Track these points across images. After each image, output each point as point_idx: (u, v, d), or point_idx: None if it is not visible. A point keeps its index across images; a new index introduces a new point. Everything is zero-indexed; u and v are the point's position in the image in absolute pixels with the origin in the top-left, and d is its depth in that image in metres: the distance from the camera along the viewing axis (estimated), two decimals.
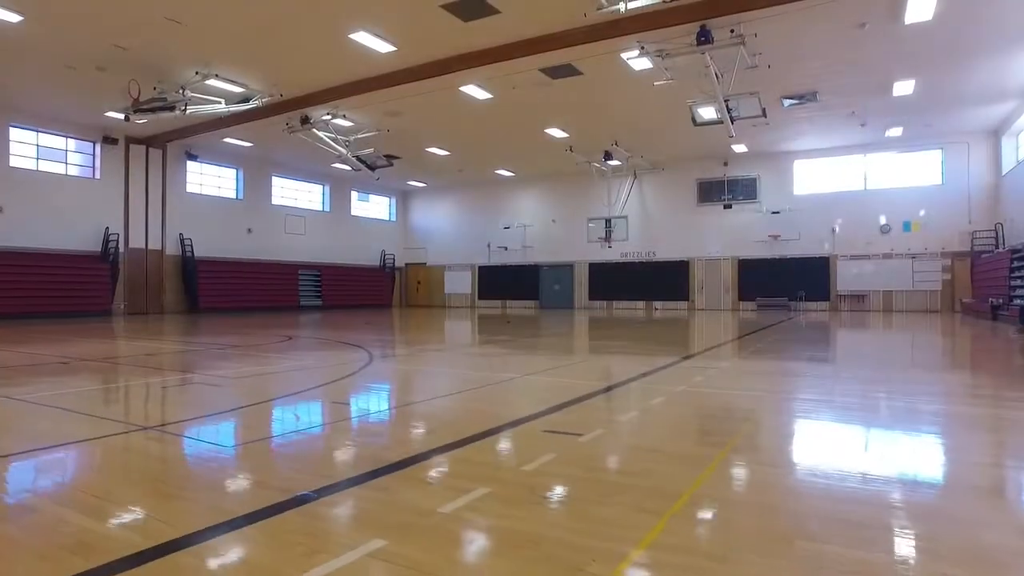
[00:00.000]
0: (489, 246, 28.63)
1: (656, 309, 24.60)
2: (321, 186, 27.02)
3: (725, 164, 23.28)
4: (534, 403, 3.99)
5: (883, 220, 21.39)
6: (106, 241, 18.99)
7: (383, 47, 12.83)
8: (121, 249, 19.48)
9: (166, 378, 5.09)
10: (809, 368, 6.17)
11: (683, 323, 15.63)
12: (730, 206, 23.40)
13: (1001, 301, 14.65)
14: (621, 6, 10.08)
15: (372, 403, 4.04)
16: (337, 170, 24.17)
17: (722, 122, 14.92)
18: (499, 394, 4.43)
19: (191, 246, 21.27)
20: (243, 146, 21.38)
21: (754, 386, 4.82)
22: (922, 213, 20.86)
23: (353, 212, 28.65)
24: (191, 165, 21.71)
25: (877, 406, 4.04)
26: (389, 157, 21.35)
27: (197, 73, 13.91)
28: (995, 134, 19.61)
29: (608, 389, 4.54)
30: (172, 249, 21.08)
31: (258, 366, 6.03)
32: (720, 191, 23.60)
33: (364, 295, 27.59)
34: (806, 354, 8.05)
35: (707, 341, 10.13)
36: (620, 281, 25.63)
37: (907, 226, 21.08)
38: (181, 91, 14.35)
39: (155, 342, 8.98)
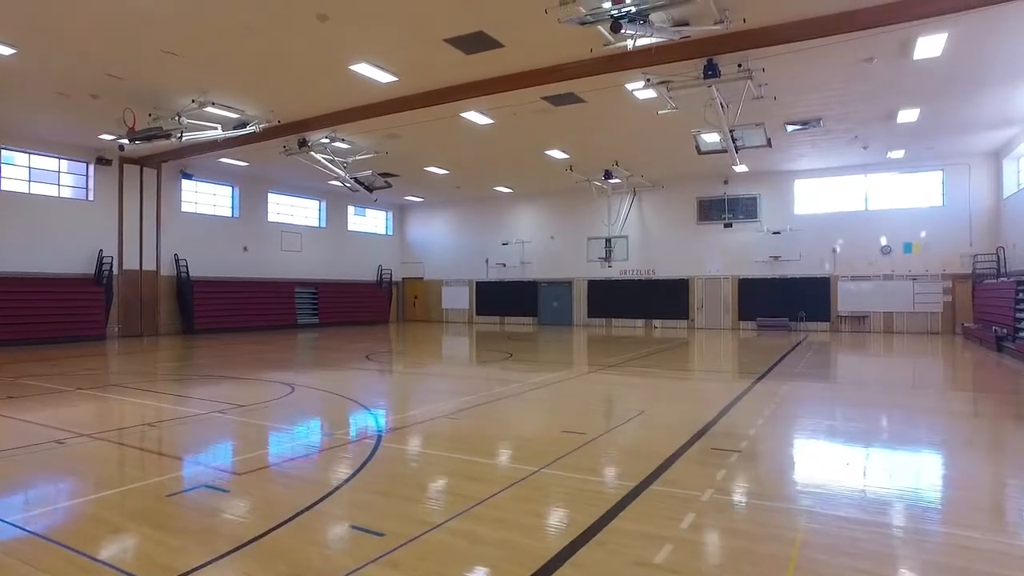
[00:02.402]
0: (487, 262, 28.44)
1: (655, 327, 24.46)
2: (317, 202, 26.75)
3: (725, 183, 23.17)
4: (563, 522, 3.81)
5: (884, 241, 21.31)
6: (100, 263, 18.67)
7: (384, 77, 12.62)
8: (115, 271, 19.17)
9: (166, 476, 4.87)
10: (874, 450, 6.00)
11: (690, 347, 15.47)
12: (730, 225, 23.27)
13: (1005, 332, 14.56)
14: (629, 43, 9.87)
15: (391, 524, 3.87)
16: (334, 186, 23.87)
17: (726, 151, 14.78)
18: (524, 503, 4.26)
19: (186, 266, 20.96)
20: (239, 165, 21.10)
21: (794, 499, 4.62)
22: (923, 234, 20.80)
23: (350, 227, 28.39)
24: (186, 184, 21.42)
25: None
26: (386, 175, 21.14)
27: (193, 101, 13.64)
28: (996, 156, 19.57)
29: (631, 496, 4.35)
30: (167, 270, 20.77)
31: (266, 445, 5.84)
32: (720, 210, 23.47)
33: (361, 311, 27.34)
34: (851, 413, 7.89)
35: (720, 387, 9.96)
36: (619, 299, 25.48)
37: (908, 247, 21.01)
38: (177, 118, 14.08)
39: (152, 396, 8.79)
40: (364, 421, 6.82)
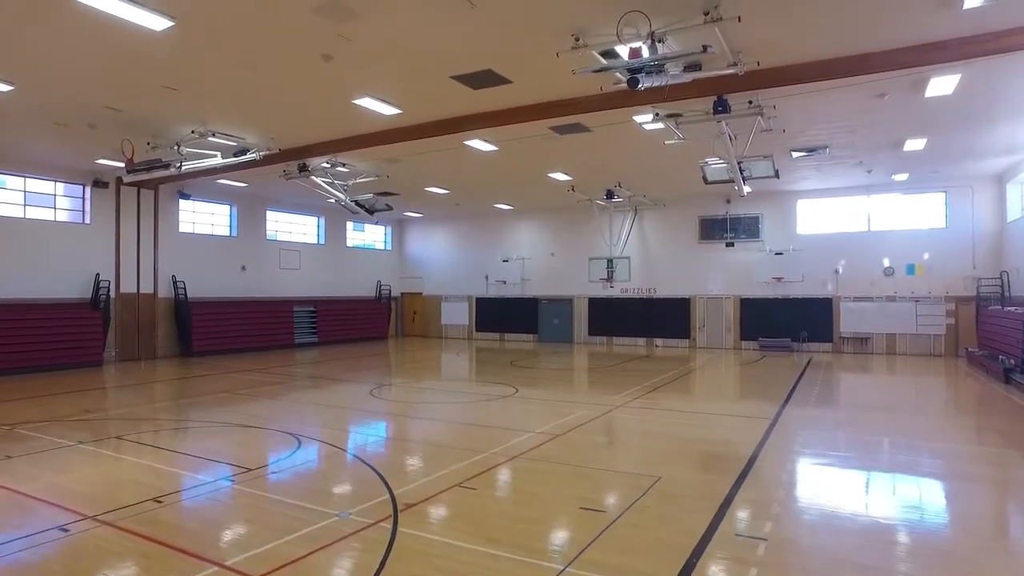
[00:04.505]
0: (487, 278, 28.25)
1: (656, 346, 24.33)
2: (316, 218, 26.52)
3: (728, 201, 23.04)
4: None
5: (886, 262, 21.24)
6: (97, 288, 18.39)
7: (388, 110, 12.44)
8: (112, 295, 18.89)
9: None
10: None
11: (698, 375, 15.30)
12: (732, 244, 23.18)
13: (1013, 363, 14.47)
14: (640, 86, 9.70)
15: None
16: (333, 202, 23.70)
17: (733, 181, 14.66)
18: None
19: (184, 288, 20.69)
20: (238, 185, 20.87)
21: None
22: (926, 256, 20.73)
23: (348, 243, 28.17)
24: (183, 203, 21.16)
25: None
26: (385, 195, 21.00)
27: (193, 131, 13.43)
28: (999, 179, 19.53)
29: None
30: (165, 292, 20.50)
31: (278, 532, 5.67)
32: (722, 229, 23.37)
33: (360, 328, 27.11)
34: (870, 477, 7.77)
35: (734, 434, 9.84)
36: (620, 317, 25.34)
37: (911, 269, 20.94)
38: (176, 147, 13.87)
39: (154, 454, 8.67)
40: (377, 493, 6.62)
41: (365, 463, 7.83)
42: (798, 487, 7.05)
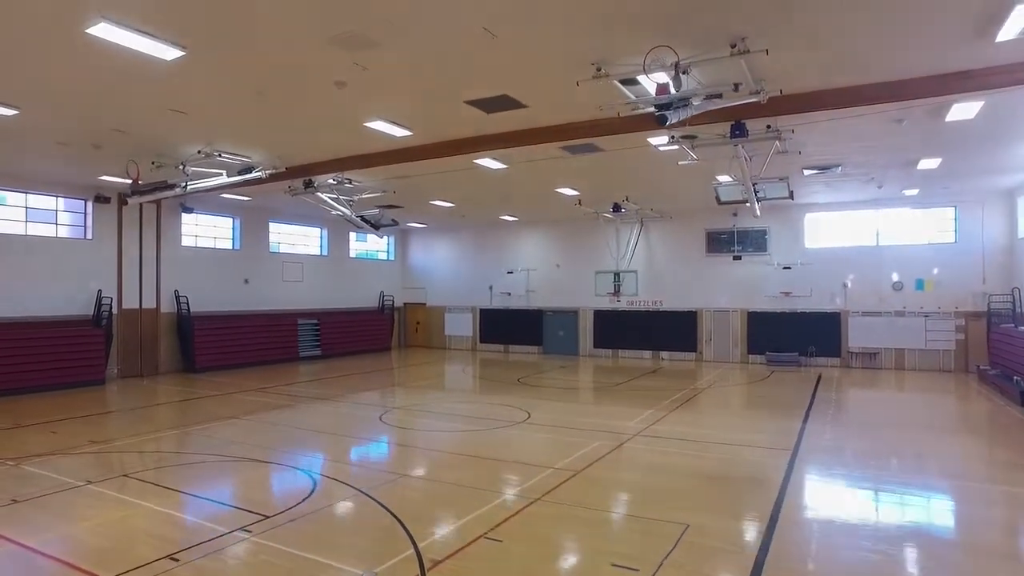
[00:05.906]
0: (491, 289, 28.03)
1: (663, 359, 24.15)
2: (319, 229, 26.28)
3: (735, 215, 22.84)
4: None
5: (895, 277, 21.10)
6: (99, 304, 18.14)
7: (399, 132, 12.24)
8: (114, 311, 18.63)
9: None
10: None
11: (708, 394, 15.10)
12: (739, 257, 23.02)
13: None
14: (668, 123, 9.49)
15: None
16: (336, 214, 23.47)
17: (747, 202, 14.48)
18: None
19: (187, 303, 20.44)
20: (240, 199, 20.64)
21: None
22: (935, 271, 20.60)
23: (351, 254, 27.95)
24: (186, 217, 20.91)
25: None
26: (390, 208, 20.82)
27: (199, 152, 13.19)
28: (1010, 194, 19.40)
29: None
30: (167, 307, 20.25)
31: None
32: (730, 242, 23.21)
33: (363, 339, 26.87)
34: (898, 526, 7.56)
35: (753, 469, 9.65)
36: (626, 329, 25.16)
37: (920, 284, 20.80)
38: (181, 166, 13.63)
39: (163, 497, 8.53)
40: (400, 546, 6.39)
41: (384, 507, 7.59)
42: (831, 537, 6.84)
